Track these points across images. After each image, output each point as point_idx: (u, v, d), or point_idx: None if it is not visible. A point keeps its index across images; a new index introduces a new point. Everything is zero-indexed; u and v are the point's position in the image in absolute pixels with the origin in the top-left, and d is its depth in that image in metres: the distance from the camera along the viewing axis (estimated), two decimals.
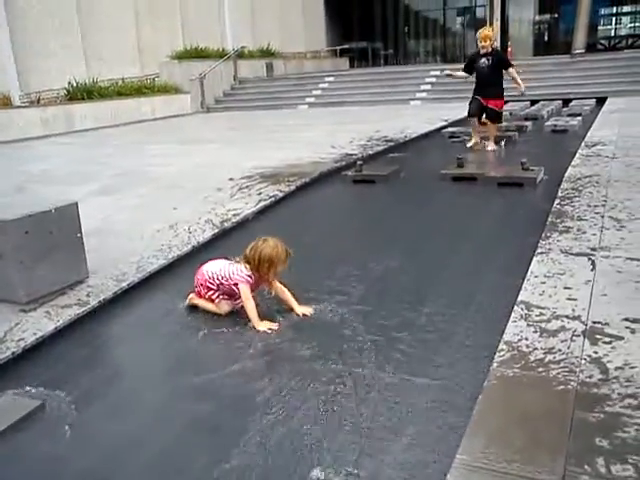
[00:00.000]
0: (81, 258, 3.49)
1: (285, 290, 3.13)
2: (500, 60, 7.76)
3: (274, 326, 2.92)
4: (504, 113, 11.31)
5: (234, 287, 3.06)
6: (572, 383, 2.13)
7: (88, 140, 11.46)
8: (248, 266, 3.05)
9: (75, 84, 14.18)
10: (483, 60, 7.67)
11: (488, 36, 7.64)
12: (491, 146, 7.87)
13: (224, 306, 3.11)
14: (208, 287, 3.13)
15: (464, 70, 8.08)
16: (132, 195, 5.85)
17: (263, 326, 2.90)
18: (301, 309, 3.07)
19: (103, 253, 3.92)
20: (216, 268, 3.16)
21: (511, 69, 7.80)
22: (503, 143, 8.06)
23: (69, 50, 15.24)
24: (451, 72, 8.47)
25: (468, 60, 8.21)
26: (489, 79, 7.67)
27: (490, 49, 7.69)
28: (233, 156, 8.01)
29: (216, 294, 3.12)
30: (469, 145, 8.01)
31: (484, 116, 7.91)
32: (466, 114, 8.09)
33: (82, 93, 14.11)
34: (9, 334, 2.86)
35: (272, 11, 22.67)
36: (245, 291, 3.01)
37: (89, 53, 15.85)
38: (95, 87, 14.56)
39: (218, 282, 3.10)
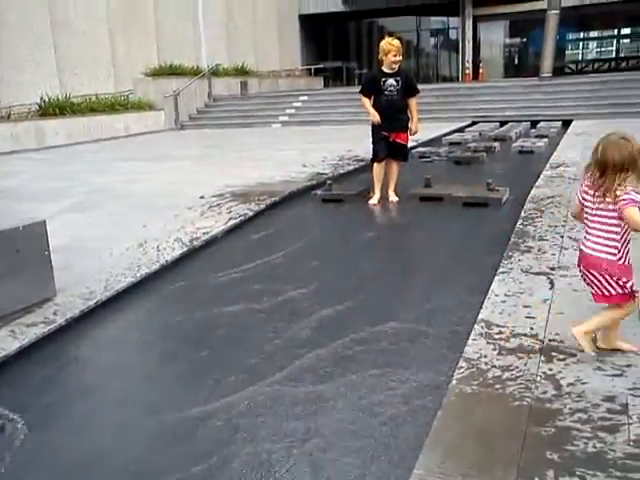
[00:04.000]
0: (49, 276, 3.49)
1: None
2: (409, 83, 5.93)
3: None
4: (473, 134, 11.63)
5: None
6: (527, 399, 2.21)
7: (60, 156, 11.39)
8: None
9: (47, 99, 14.09)
10: (390, 82, 5.78)
11: (399, 46, 5.74)
12: (394, 196, 6.07)
13: None
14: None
15: (363, 94, 5.97)
16: (102, 213, 5.84)
17: None
18: None
19: (71, 271, 3.92)
20: None
21: (415, 98, 5.98)
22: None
23: (42, 65, 15.15)
24: (371, 112, 5.91)
25: (368, 80, 6.14)
26: (397, 107, 5.87)
27: (397, 67, 5.81)
28: (205, 174, 8.04)
29: None
30: (373, 202, 5.99)
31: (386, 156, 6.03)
32: (374, 156, 6.08)
33: (54, 108, 14.02)
34: None
35: (247, 29, 22.86)
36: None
37: (62, 68, 15.78)
38: (68, 103, 14.48)
39: None
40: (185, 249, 4.46)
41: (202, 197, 6.21)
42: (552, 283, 3.33)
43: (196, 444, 2.19)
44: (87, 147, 12.90)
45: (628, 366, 2.39)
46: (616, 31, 26.29)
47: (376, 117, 5.88)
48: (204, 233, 4.84)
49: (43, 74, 15.10)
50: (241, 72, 20.76)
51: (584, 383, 2.28)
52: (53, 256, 3.51)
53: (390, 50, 5.71)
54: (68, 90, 15.03)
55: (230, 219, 5.28)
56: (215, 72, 19.05)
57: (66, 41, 15.86)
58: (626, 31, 26.33)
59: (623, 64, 25.77)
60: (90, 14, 16.53)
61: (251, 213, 5.52)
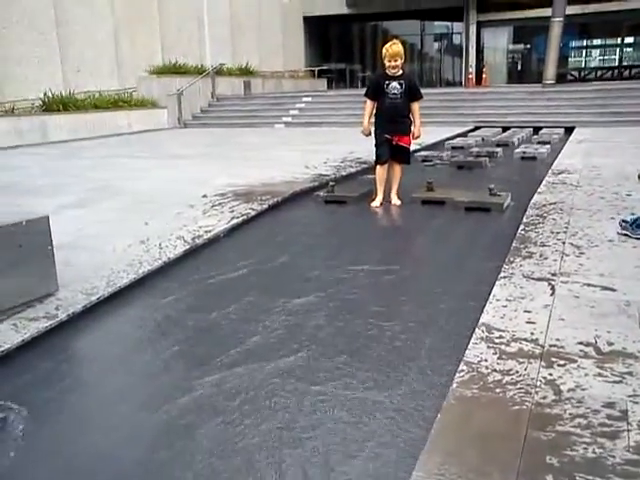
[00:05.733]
0: (51, 271, 3.49)
1: None
2: (413, 87, 5.93)
3: None
4: (476, 138, 11.66)
5: None
6: (527, 404, 2.21)
7: (63, 152, 11.40)
8: None
9: (51, 95, 14.12)
10: (394, 85, 5.81)
11: (400, 53, 5.73)
12: (396, 199, 6.10)
13: None
14: None
15: (368, 97, 6.02)
16: (105, 209, 5.85)
17: None
18: None
19: (73, 267, 3.92)
20: None
21: (418, 104, 5.98)
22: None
23: (46, 61, 15.17)
24: (364, 124, 6.07)
25: (372, 84, 6.13)
26: (401, 110, 5.89)
27: (401, 71, 5.85)
28: (207, 173, 8.05)
29: None
30: (375, 204, 6.03)
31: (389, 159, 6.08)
32: (377, 158, 6.11)
33: (58, 104, 14.05)
34: None
35: (252, 30, 22.90)
36: None
37: (66, 65, 15.80)
38: (71, 99, 14.51)
39: None
40: (187, 247, 4.47)
41: (205, 196, 6.23)
42: (553, 289, 3.34)
43: (197, 438, 2.19)
44: (90, 143, 12.92)
45: (629, 373, 2.39)
46: (619, 40, 26.33)
47: (366, 131, 6.05)
48: (206, 232, 4.85)
49: (47, 70, 15.12)
50: (245, 72, 20.80)
51: (584, 389, 2.29)
52: (55, 251, 3.52)
53: (385, 55, 5.75)
54: (72, 86, 15.05)
55: (233, 218, 5.29)
56: (219, 71, 19.08)
57: (70, 38, 15.88)
58: (629, 40, 26.38)
59: (626, 73, 25.81)
60: (95, 11, 16.55)
61: (253, 213, 5.53)
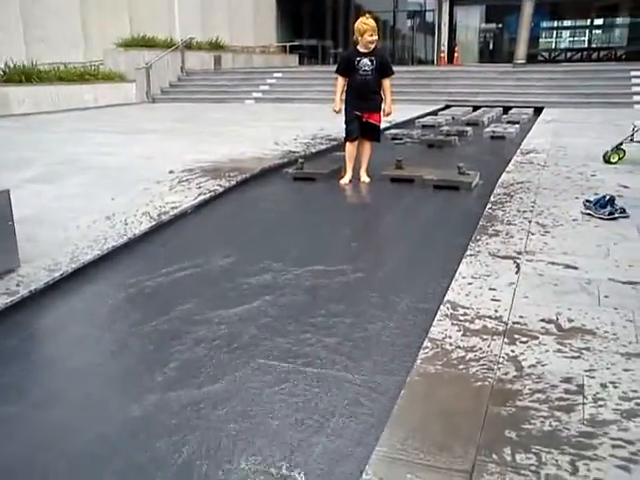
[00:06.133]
0: (12, 247, 3.41)
1: None
2: (384, 63, 5.84)
3: None
4: (447, 117, 11.69)
5: None
6: (489, 380, 2.25)
7: (26, 125, 11.11)
8: None
9: (12, 65, 13.67)
10: (365, 61, 5.72)
11: (375, 28, 5.66)
12: (365, 177, 6.09)
13: None
14: None
15: (339, 73, 5.94)
16: (70, 184, 5.73)
17: None
18: None
19: (36, 242, 3.85)
20: None
21: (389, 80, 5.88)
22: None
23: (6, 30, 14.68)
24: (336, 100, 5.99)
25: (343, 60, 6.10)
26: (371, 87, 5.81)
27: (373, 47, 5.75)
28: (175, 148, 7.94)
29: None
30: (344, 181, 6.00)
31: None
32: (347, 135, 6.04)
33: (20, 75, 13.62)
34: None
35: (223, 3, 22.49)
36: None
37: (28, 34, 15.32)
38: (34, 70, 14.09)
39: None
40: (153, 223, 4.41)
41: (171, 172, 6.14)
42: (518, 267, 3.39)
43: (157, 423, 2.19)
44: (55, 117, 12.60)
45: (586, 349, 2.45)
46: (589, 21, 26.54)
47: (337, 107, 5.96)
48: (172, 208, 4.79)
49: (7, 39, 14.63)
50: (215, 47, 20.47)
51: (544, 365, 2.34)
52: (18, 227, 3.44)
53: (366, 30, 5.64)
54: (35, 57, 14.61)
55: (200, 194, 5.23)
56: (189, 46, 18.74)
57: (33, 7, 15.38)
58: (599, 22, 26.60)
59: (594, 54, 26.07)
60: None
61: (221, 189, 5.48)
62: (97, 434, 2.12)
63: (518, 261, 3.49)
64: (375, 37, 5.70)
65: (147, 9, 18.91)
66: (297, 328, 2.86)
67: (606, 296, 2.98)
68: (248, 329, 2.86)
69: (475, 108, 13.74)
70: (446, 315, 2.80)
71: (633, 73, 14.77)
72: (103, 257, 3.78)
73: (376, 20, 5.94)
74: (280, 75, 18.17)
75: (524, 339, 2.56)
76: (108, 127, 10.83)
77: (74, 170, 6.38)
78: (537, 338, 2.55)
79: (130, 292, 3.36)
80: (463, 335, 2.60)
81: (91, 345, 2.83)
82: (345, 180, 6.02)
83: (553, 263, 3.44)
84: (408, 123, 10.97)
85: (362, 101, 5.88)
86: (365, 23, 5.66)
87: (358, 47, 5.80)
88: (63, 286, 3.38)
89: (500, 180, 5.66)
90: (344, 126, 6.08)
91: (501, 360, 2.39)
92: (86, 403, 2.34)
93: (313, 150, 7.77)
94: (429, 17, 27.15)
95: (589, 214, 4.40)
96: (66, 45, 16.21)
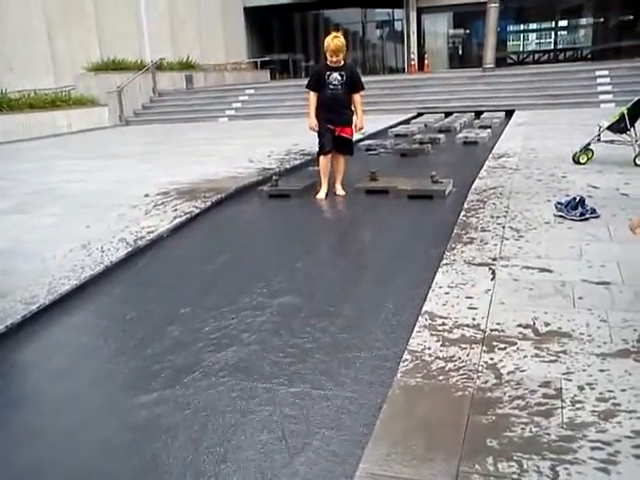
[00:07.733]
0: None
1: None
2: (355, 78, 5.93)
3: None
4: (419, 125, 11.79)
5: None
6: (469, 389, 2.27)
7: None
8: None
9: None
10: (335, 76, 5.80)
11: (341, 48, 5.74)
12: (341, 190, 6.13)
13: None
14: None
15: (310, 88, 6.00)
16: (45, 213, 5.69)
17: None
18: None
19: (12, 275, 3.82)
20: None
21: (359, 95, 5.98)
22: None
23: None
24: (311, 117, 6.00)
25: (314, 75, 6.09)
26: (342, 101, 5.88)
27: (342, 62, 5.85)
28: (150, 171, 7.91)
29: None
30: (320, 196, 6.03)
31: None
32: (320, 149, 6.06)
33: None
34: None
35: (192, 22, 22.52)
36: None
37: None
38: (4, 98, 13.98)
39: None
40: (130, 249, 4.40)
41: (147, 195, 6.12)
42: (494, 273, 3.43)
43: (136, 445, 2.17)
44: (27, 145, 12.50)
45: (563, 352, 2.49)
46: (554, 23, 26.99)
47: (312, 123, 5.95)
48: (149, 232, 4.78)
49: None
50: (186, 66, 20.47)
51: (523, 370, 2.37)
52: None
53: (327, 50, 5.75)
54: (4, 85, 14.49)
55: (176, 217, 5.22)
56: (159, 66, 18.73)
57: (2, 35, 15.29)
58: (563, 23, 27.06)
59: (561, 55, 26.51)
60: (27, 7, 15.97)
61: (197, 211, 5.47)
62: (79, 468, 2.10)
63: (493, 267, 3.53)
64: (340, 57, 5.75)
65: (115, 32, 18.85)
66: (285, 341, 2.87)
67: (580, 297, 3.02)
68: (227, 356, 2.86)
69: (447, 114, 13.89)
70: (424, 326, 2.83)
71: (598, 73, 15.04)
72: (80, 287, 3.75)
73: (345, 32, 6.06)
74: (252, 92, 18.22)
75: (502, 346, 2.59)
76: (81, 153, 10.76)
77: (48, 199, 6.34)
78: (515, 344, 2.59)
79: (105, 323, 3.33)
80: (442, 345, 2.63)
81: (70, 378, 2.81)
82: (321, 195, 6.04)
83: (528, 267, 3.49)
84: (381, 133, 11.05)
85: (333, 114, 5.91)
86: (331, 42, 5.70)
87: (327, 62, 5.85)
88: (40, 319, 3.35)
89: (473, 187, 5.72)
90: (317, 140, 6.12)
91: (480, 368, 2.41)
92: (66, 437, 2.32)
93: (287, 166, 7.79)
94: (398, 26, 27.44)
95: (561, 216, 4.47)
96: (36, 72, 16.10)
